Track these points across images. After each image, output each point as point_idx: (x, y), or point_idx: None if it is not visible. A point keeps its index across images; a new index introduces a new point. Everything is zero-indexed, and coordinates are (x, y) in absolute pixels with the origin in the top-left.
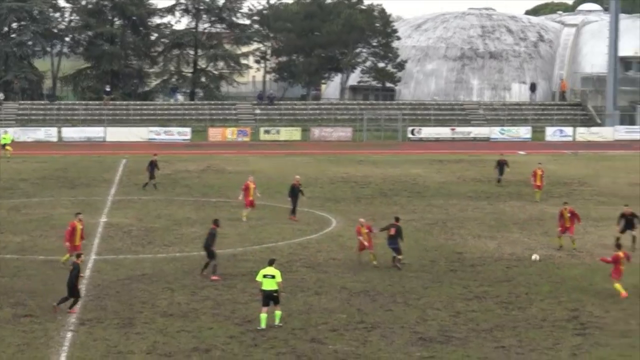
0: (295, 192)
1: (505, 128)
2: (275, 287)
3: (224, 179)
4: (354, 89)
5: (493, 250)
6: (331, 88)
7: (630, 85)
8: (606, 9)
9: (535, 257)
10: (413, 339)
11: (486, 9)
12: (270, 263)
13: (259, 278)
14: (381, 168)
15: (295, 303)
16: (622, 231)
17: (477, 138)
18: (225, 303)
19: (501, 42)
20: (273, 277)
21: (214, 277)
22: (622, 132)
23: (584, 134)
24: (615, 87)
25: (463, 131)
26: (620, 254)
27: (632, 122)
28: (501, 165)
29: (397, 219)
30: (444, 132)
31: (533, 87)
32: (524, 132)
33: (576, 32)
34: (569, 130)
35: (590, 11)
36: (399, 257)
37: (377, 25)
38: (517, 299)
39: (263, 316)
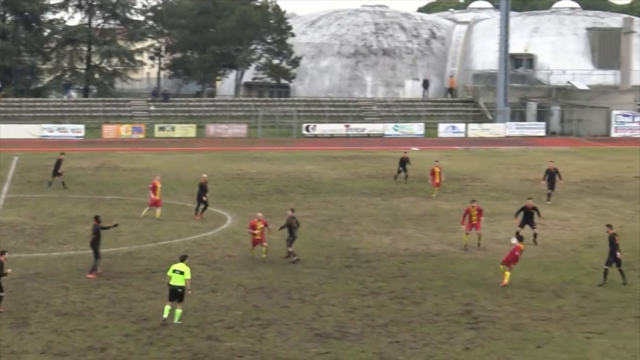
0: (203, 190)
1: (398, 124)
2: (182, 284)
3: (119, 176)
4: (248, 85)
5: (387, 246)
6: (226, 85)
7: (520, 82)
8: (497, 7)
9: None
10: (309, 335)
11: (379, 6)
12: (182, 259)
13: (169, 272)
14: (276, 165)
15: (191, 301)
16: (521, 225)
17: (371, 134)
18: (120, 301)
19: (394, 39)
20: (182, 273)
21: (90, 275)
22: (512, 129)
23: (475, 130)
24: (506, 84)
25: (357, 128)
26: (521, 246)
27: (522, 118)
28: (403, 162)
29: (292, 210)
30: (338, 128)
31: (426, 84)
32: (417, 128)
33: (468, 29)
34: (461, 126)
35: (481, 9)
36: (290, 249)
37: (272, 22)
38: (412, 294)
39: (167, 307)
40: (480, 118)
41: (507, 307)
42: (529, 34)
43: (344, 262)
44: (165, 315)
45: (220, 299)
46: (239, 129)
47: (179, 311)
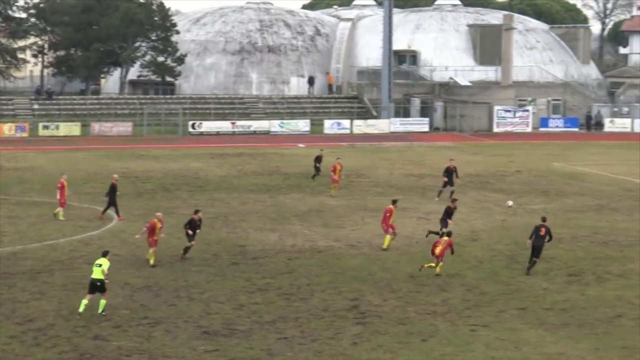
0: (113, 190)
1: (284, 121)
2: (100, 276)
3: (2, 176)
4: (133, 83)
5: (275, 243)
6: (111, 82)
7: (404, 78)
8: (380, 4)
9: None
10: (197, 333)
11: (264, 3)
12: (104, 254)
13: (93, 267)
14: (162, 162)
15: (78, 300)
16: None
17: (257, 131)
18: (5, 302)
19: (279, 36)
20: (100, 265)
21: None
22: (397, 124)
23: (360, 126)
24: (390, 80)
25: (243, 125)
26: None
27: (406, 114)
28: (317, 160)
29: (195, 212)
30: (224, 126)
31: (311, 81)
32: (303, 125)
33: (352, 26)
34: (346, 122)
35: (365, 6)
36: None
37: (156, 19)
38: (299, 290)
39: (84, 302)
40: (365, 114)
41: (393, 301)
42: (412, 31)
43: (231, 260)
44: (81, 309)
45: (107, 298)
46: (124, 127)
47: (103, 301)
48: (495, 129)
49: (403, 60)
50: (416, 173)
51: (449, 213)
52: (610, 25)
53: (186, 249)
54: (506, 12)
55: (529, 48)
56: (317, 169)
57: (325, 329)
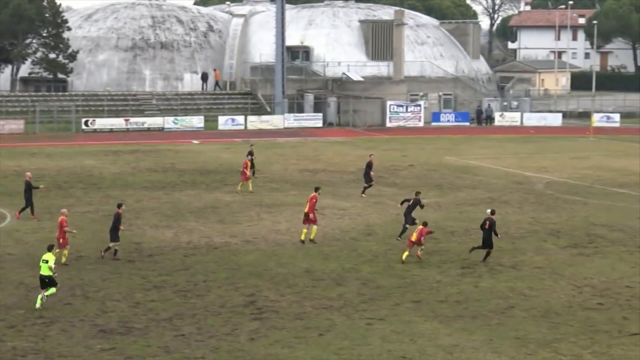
0: (29, 188)
1: (178, 118)
2: (48, 273)
3: None
4: (25, 80)
5: (170, 240)
6: (1, 80)
7: (297, 74)
8: (272, 0)
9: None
10: (93, 331)
11: None
12: (49, 249)
13: (40, 263)
14: (55, 160)
15: None
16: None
17: (151, 128)
18: None
19: (172, 33)
20: (47, 262)
21: None
22: (291, 120)
23: (255, 122)
24: (283, 76)
25: (137, 121)
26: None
27: (300, 110)
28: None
29: (119, 205)
30: (118, 122)
31: (204, 77)
32: (197, 121)
33: (244, 22)
34: (240, 119)
35: (257, 2)
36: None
37: (47, 15)
38: (195, 287)
39: (40, 296)
40: (259, 110)
41: (289, 296)
42: (305, 27)
43: (127, 257)
44: (38, 305)
45: (0, 298)
46: (15, 125)
47: (52, 289)
48: (388, 124)
49: (296, 56)
50: (311, 168)
51: (414, 205)
52: (498, 21)
53: (108, 249)
54: (397, 8)
55: (420, 43)
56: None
57: (222, 325)
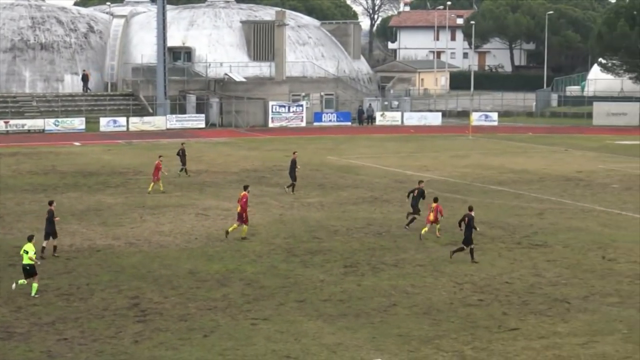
0: None
1: (59, 119)
2: (29, 262)
3: None
4: None
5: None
6: None
7: (179, 75)
8: (153, 1)
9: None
10: None
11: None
12: (29, 239)
13: (21, 252)
14: None
15: None
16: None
17: (31, 130)
18: None
19: (52, 34)
20: (27, 252)
21: None
22: (173, 121)
23: (137, 123)
24: (165, 77)
25: (17, 124)
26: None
27: (182, 110)
28: (181, 152)
29: (50, 203)
30: None
31: (85, 78)
32: (78, 123)
33: (125, 22)
34: (122, 120)
35: (138, 2)
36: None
37: None
38: (78, 290)
39: (34, 285)
40: (141, 111)
41: (173, 298)
42: (186, 27)
43: (8, 261)
44: (33, 292)
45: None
46: None
47: (35, 285)
48: (271, 124)
49: (178, 56)
50: (194, 169)
51: (420, 195)
52: (379, 21)
53: (55, 248)
54: (278, 9)
55: (302, 44)
56: (183, 162)
57: (106, 328)
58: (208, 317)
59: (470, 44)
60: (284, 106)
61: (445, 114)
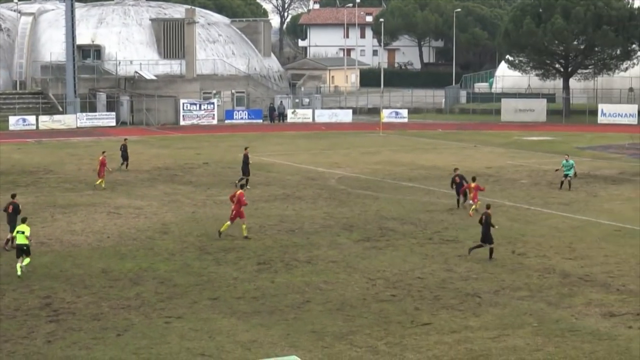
0: None
1: None
2: (25, 242)
3: None
4: None
5: None
6: None
7: (89, 73)
8: None
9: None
10: None
11: None
12: (23, 221)
13: (14, 233)
14: None
15: None
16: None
17: None
18: None
19: None
20: (23, 232)
21: None
22: (83, 119)
23: (46, 122)
24: (75, 75)
25: None
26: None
27: (92, 109)
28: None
29: (12, 196)
30: None
31: None
32: None
33: (33, 20)
34: (31, 118)
35: (46, 0)
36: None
37: None
38: None
39: (18, 266)
40: (50, 110)
41: (86, 297)
42: (95, 25)
43: None
44: (19, 273)
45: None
46: None
47: (27, 260)
48: (182, 122)
49: (87, 54)
50: (110, 168)
51: (461, 180)
52: (289, 19)
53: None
54: (188, 7)
55: (212, 41)
56: (124, 158)
57: (17, 329)
58: (121, 316)
59: (379, 41)
60: (195, 104)
61: (355, 111)
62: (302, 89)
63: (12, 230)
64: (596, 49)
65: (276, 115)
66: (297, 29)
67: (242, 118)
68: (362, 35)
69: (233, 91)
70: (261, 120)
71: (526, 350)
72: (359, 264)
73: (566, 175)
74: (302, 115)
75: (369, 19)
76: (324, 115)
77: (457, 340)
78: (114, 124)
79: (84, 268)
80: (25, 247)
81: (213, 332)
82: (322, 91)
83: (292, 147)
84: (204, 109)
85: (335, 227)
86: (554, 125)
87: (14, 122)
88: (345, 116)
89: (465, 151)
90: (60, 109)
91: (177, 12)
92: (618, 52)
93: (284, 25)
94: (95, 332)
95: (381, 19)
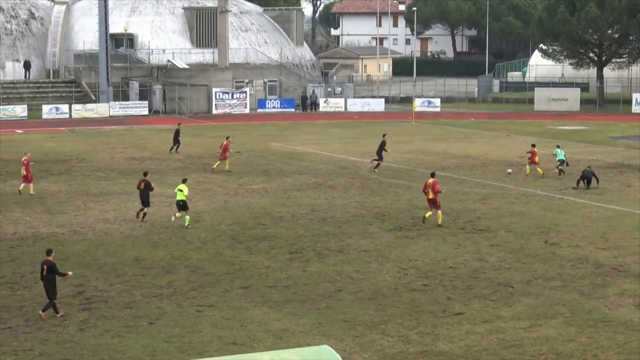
0: None
1: (1, 107)
2: (183, 198)
3: None
4: None
5: None
6: None
7: (122, 62)
8: None
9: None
10: None
11: None
12: (184, 181)
13: (177, 192)
14: None
15: None
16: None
17: None
18: None
19: None
20: (182, 190)
21: None
22: (116, 108)
23: (79, 110)
24: (108, 64)
25: None
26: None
27: (125, 97)
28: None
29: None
30: None
31: (27, 65)
32: (20, 110)
33: (67, 9)
34: (64, 107)
35: None
36: None
37: None
38: (22, 278)
39: (186, 217)
40: (83, 98)
41: (118, 285)
42: (128, 14)
43: None
44: (186, 223)
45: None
46: None
47: (187, 217)
48: (215, 111)
49: (120, 43)
50: (137, 156)
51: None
52: (321, 8)
53: None
54: None
55: (244, 30)
56: (176, 142)
57: (50, 317)
58: (153, 304)
59: (412, 30)
60: (228, 93)
61: (388, 100)
62: (335, 77)
63: (143, 205)
64: (631, 37)
65: (308, 104)
66: (329, 18)
67: (274, 107)
68: (395, 24)
69: (265, 80)
70: (293, 109)
71: (559, 341)
72: (391, 254)
73: (562, 162)
74: (334, 104)
75: (402, 7)
76: (356, 104)
77: (489, 330)
78: (146, 112)
79: (117, 256)
80: (182, 203)
81: (245, 321)
82: (355, 80)
83: (324, 136)
84: (237, 98)
85: (367, 216)
86: (587, 115)
87: (47, 111)
88: (378, 105)
89: (498, 140)
90: (93, 97)
91: (210, 0)
92: None
93: (317, 14)
94: (128, 320)
95: (414, 8)
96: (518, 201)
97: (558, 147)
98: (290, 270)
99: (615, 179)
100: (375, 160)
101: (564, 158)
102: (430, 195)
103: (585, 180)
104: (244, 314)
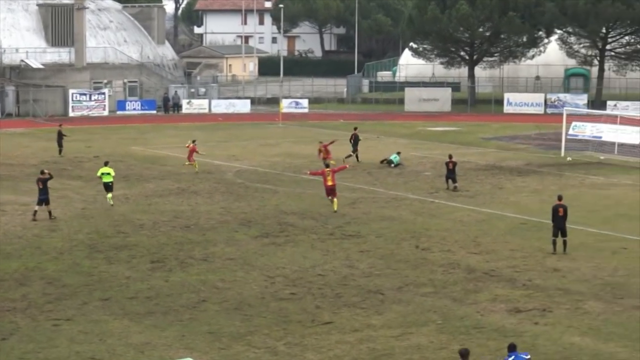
0: None
1: None
2: (112, 180)
3: None
4: None
5: None
6: None
7: None
8: None
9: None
10: None
11: None
12: (106, 164)
13: (98, 174)
14: None
15: None
16: None
17: None
18: None
19: None
20: (109, 173)
21: None
22: None
23: None
24: None
25: None
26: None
27: None
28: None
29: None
30: None
31: None
32: None
33: None
34: None
35: None
36: None
37: None
38: None
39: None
40: None
41: None
42: None
43: None
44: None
45: None
46: None
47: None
48: (71, 113)
49: None
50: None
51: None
52: (184, 5)
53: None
54: None
55: (103, 28)
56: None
57: None
58: (6, 319)
59: (279, 28)
60: (85, 94)
61: (254, 101)
62: (198, 78)
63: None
64: (502, 36)
65: (171, 105)
66: (192, 15)
67: (134, 109)
68: (261, 22)
69: (125, 80)
70: (155, 111)
71: (430, 349)
72: (258, 261)
73: (390, 162)
74: (198, 105)
75: (268, 4)
76: (220, 106)
77: (359, 339)
78: None
79: None
80: (110, 184)
81: (104, 335)
82: (219, 80)
83: (188, 139)
84: (95, 100)
85: (232, 222)
86: (459, 115)
87: None
88: (243, 106)
89: (368, 142)
90: None
91: None
92: (524, 39)
93: (179, 11)
94: None
95: (280, 5)
96: (388, 205)
97: (398, 153)
98: (152, 281)
99: (487, 181)
100: (351, 154)
101: (394, 161)
102: (329, 182)
103: (451, 179)
104: (104, 327)
